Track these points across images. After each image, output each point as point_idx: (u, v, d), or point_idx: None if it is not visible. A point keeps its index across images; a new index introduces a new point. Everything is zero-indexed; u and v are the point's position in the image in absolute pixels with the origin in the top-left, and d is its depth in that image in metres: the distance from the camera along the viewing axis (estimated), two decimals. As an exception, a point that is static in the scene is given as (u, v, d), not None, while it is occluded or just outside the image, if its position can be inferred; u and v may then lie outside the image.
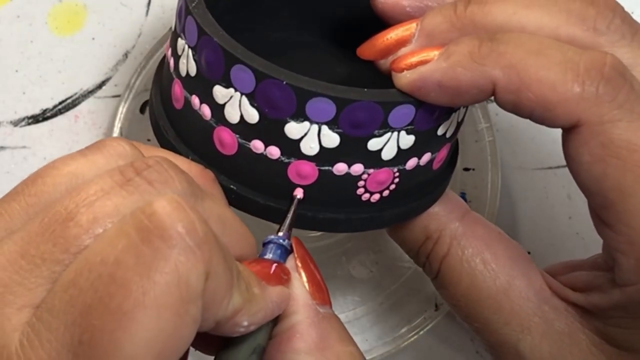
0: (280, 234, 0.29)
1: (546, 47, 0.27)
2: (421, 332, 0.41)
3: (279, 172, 0.29)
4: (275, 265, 0.28)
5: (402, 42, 0.30)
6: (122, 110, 0.42)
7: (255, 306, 0.25)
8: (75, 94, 0.43)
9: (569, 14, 0.28)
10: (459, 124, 0.32)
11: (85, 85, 0.43)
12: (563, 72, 0.27)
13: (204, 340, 0.29)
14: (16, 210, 0.25)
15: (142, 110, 0.42)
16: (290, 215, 0.30)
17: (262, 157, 0.29)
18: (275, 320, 0.28)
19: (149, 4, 0.44)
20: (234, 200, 0.30)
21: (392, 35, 0.30)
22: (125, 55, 0.44)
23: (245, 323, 0.25)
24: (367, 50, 0.31)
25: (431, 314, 0.41)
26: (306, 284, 0.29)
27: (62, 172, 0.25)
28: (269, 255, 0.29)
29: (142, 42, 0.44)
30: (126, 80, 0.42)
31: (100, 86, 0.43)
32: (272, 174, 0.29)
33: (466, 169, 0.42)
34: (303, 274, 0.29)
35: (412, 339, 0.41)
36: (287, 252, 0.29)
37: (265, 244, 0.29)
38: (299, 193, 0.30)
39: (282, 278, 0.28)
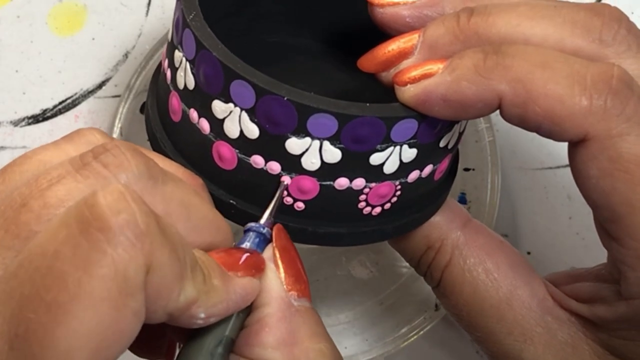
0: (262, 221, 0.29)
1: (552, 59, 0.27)
2: (421, 333, 0.41)
3: (279, 187, 0.29)
4: (246, 255, 0.27)
5: (403, 54, 0.29)
6: (122, 110, 0.42)
7: (214, 298, 0.25)
8: (75, 94, 0.43)
9: (574, 25, 0.28)
10: (460, 134, 0.32)
11: (85, 85, 0.43)
12: (570, 85, 0.26)
13: (177, 330, 0.28)
14: None
15: (142, 111, 0.42)
16: (274, 202, 0.29)
17: (263, 172, 0.29)
18: (248, 312, 0.27)
19: (149, 4, 0.44)
20: (234, 215, 0.30)
21: (393, 47, 0.29)
22: (125, 55, 0.44)
23: (202, 315, 0.25)
24: (368, 62, 0.30)
25: (431, 314, 0.41)
26: (282, 275, 0.28)
27: (32, 160, 0.25)
28: (246, 244, 0.28)
29: (142, 42, 0.44)
30: (126, 80, 0.42)
31: (100, 86, 0.43)
32: (273, 189, 0.29)
33: (466, 169, 0.42)
34: (280, 264, 0.28)
35: (412, 339, 0.41)
36: (266, 240, 0.29)
37: (245, 231, 0.29)
38: (286, 179, 0.29)
39: (253, 268, 0.27)
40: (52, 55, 0.43)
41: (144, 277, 0.22)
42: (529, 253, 0.43)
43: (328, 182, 0.29)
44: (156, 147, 0.32)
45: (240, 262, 0.27)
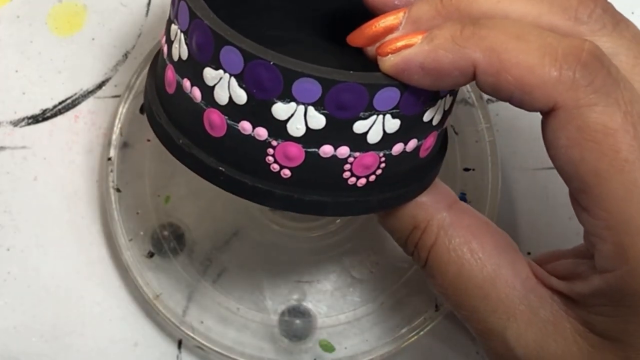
0: None
1: (527, 32, 0.28)
2: (421, 333, 0.41)
3: (266, 153, 0.30)
4: None
5: (390, 30, 0.30)
6: (122, 110, 0.42)
7: None
8: (75, 94, 0.43)
9: (551, 4, 0.29)
10: (445, 112, 0.32)
11: (85, 85, 0.43)
12: (541, 56, 0.27)
13: None
14: None
15: (142, 111, 0.42)
16: None
17: (250, 138, 0.29)
18: None
19: (149, 4, 0.44)
20: (223, 181, 0.31)
21: (381, 23, 0.31)
22: (125, 55, 0.44)
23: None
24: (356, 37, 0.31)
25: (432, 314, 0.41)
26: None
27: None
28: None
29: (142, 42, 0.44)
30: (126, 80, 0.42)
31: (100, 86, 0.43)
32: (260, 155, 0.30)
33: (466, 169, 0.42)
34: None
35: (413, 339, 0.41)
36: None
37: None
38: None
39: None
40: (52, 55, 0.43)
41: None
42: (529, 253, 0.43)
43: (313, 149, 0.29)
44: (152, 120, 0.33)
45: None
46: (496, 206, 0.41)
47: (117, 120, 0.42)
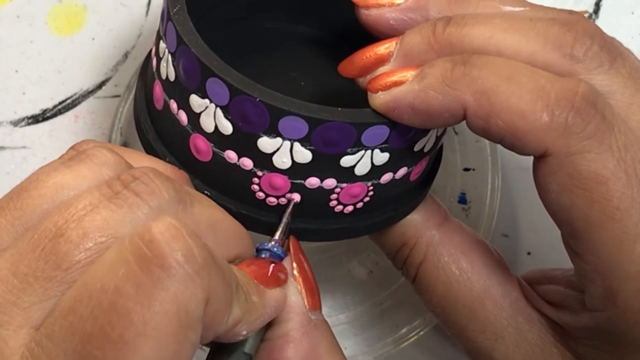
0: (273, 242, 0.29)
1: (519, 73, 0.27)
2: (421, 333, 0.41)
3: (251, 182, 0.29)
4: (272, 265, 0.27)
5: (381, 61, 0.29)
6: (122, 110, 0.42)
7: (255, 314, 0.25)
8: (75, 94, 0.43)
9: (546, 40, 0.28)
10: (438, 138, 0.32)
11: (85, 85, 0.43)
12: (533, 100, 0.26)
13: None
14: (2, 225, 0.24)
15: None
16: (285, 220, 0.30)
17: (236, 166, 0.29)
18: (266, 325, 0.28)
19: (149, 4, 0.44)
20: None
21: (371, 53, 0.30)
22: (125, 55, 0.44)
23: (245, 332, 0.25)
24: (347, 67, 0.31)
25: (431, 315, 0.41)
26: (302, 289, 0.28)
27: (47, 184, 0.25)
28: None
29: (142, 42, 0.44)
30: (126, 80, 0.42)
31: (100, 86, 0.43)
32: (245, 183, 0.30)
33: (466, 169, 0.42)
34: (299, 278, 0.29)
35: (412, 339, 0.41)
36: (281, 258, 0.29)
37: (258, 251, 0.29)
38: (295, 197, 0.30)
39: (280, 279, 0.28)
40: (52, 55, 0.43)
41: (203, 309, 0.22)
42: (529, 253, 0.43)
43: (299, 181, 0.29)
44: (140, 133, 0.32)
45: (269, 273, 0.27)
46: (496, 206, 0.41)
47: (117, 120, 0.42)
